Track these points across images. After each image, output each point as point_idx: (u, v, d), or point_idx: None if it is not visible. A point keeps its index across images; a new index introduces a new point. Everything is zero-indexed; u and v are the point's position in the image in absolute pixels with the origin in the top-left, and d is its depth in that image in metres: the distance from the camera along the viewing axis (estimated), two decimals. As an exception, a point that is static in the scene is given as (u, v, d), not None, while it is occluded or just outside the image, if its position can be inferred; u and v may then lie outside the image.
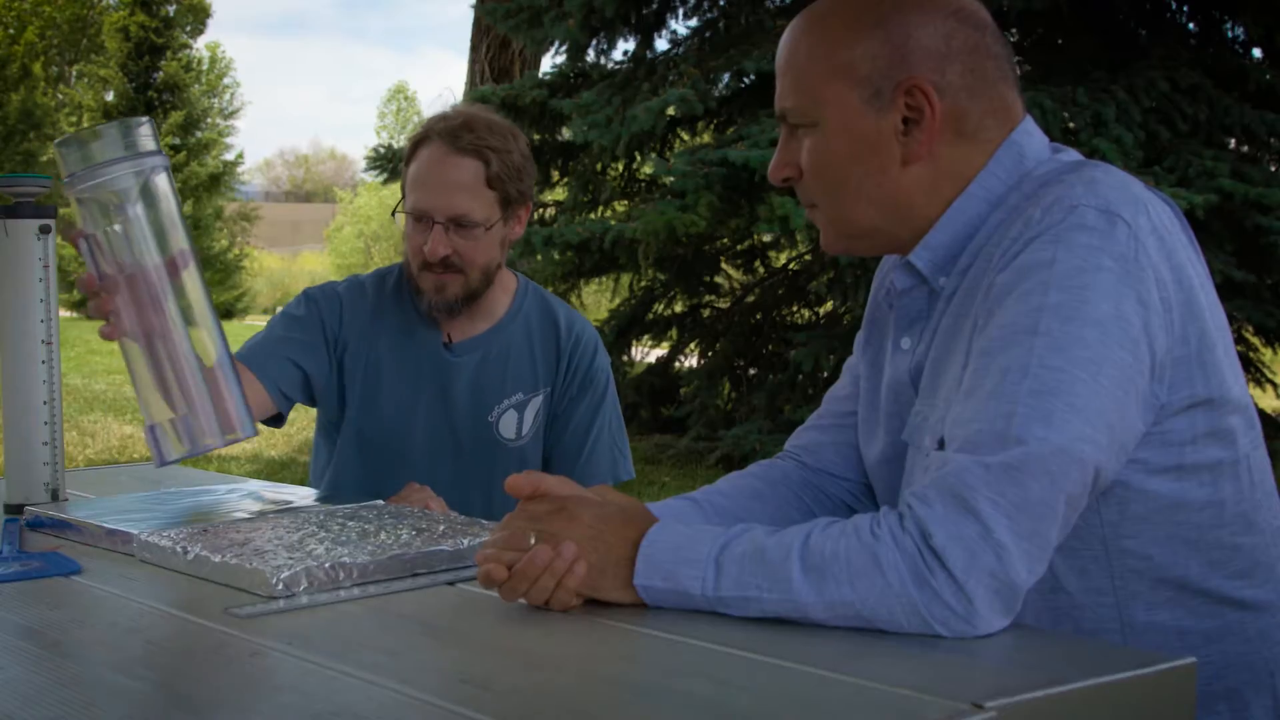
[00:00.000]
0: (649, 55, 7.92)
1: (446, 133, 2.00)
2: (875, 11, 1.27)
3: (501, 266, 2.09)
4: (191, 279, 1.40)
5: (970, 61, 1.26)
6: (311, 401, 2.10)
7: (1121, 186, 1.18)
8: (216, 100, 28.32)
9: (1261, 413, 1.37)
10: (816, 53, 1.29)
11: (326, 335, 2.07)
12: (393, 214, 2.08)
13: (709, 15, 7.99)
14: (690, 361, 8.29)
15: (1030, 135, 1.29)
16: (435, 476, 1.98)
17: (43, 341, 1.72)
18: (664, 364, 8.25)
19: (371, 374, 2.08)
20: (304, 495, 1.77)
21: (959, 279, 1.25)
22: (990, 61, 1.27)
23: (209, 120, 27.07)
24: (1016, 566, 1.05)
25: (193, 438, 1.38)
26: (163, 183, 1.39)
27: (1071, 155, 1.29)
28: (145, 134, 1.39)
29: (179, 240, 1.40)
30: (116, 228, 1.37)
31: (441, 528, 1.41)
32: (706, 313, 8.29)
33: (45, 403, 1.72)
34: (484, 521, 1.45)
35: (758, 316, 8.08)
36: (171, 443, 1.39)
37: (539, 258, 6.97)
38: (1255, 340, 7.02)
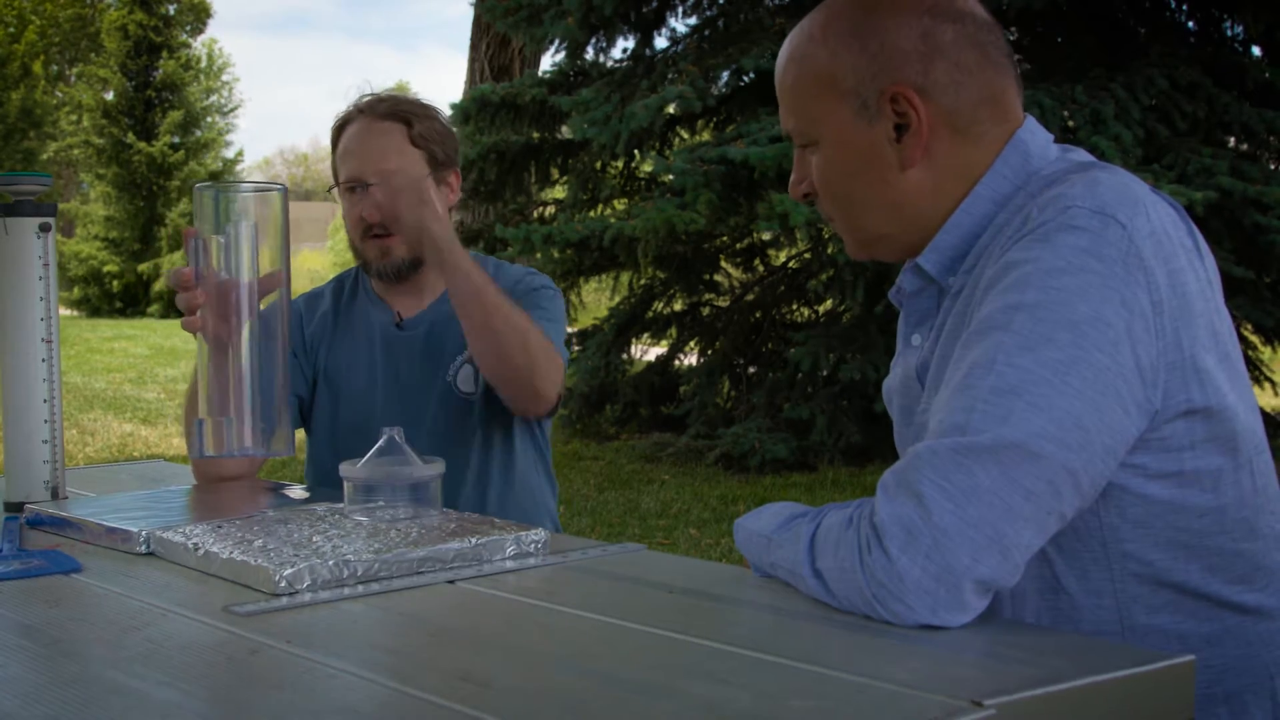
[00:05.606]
0: (648, 53, 7.92)
1: (365, 107, 2.12)
2: (849, 20, 1.27)
3: None
4: (275, 303, 1.51)
5: (953, 55, 1.25)
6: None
7: (1123, 188, 1.17)
8: (215, 98, 28.29)
9: (1261, 411, 1.36)
10: (802, 72, 1.30)
11: (297, 355, 2.15)
12: (329, 191, 2.14)
13: (708, 13, 7.99)
14: (690, 360, 8.29)
15: (1034, 134, 1.29)
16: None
17: (42, 340, 1.72)
18: (663, 362, 8.25)
19: (336, 369, 2.16)
20: (301, 492, 1.77)
21: (965, 278, 1.25)
22: (972, 51, 1.26)
23: (208, 120, 27.04)
24: (957, 553, 1.04)
25: (232, 440, 1.48)
26: (275, 212, 1.51)
27: (1081, 155, 1.28)
28: (276, 189, 1.52)
29: (274, 266, 1.51)
30: (222, 238, 1.48)
31: (452, 525, 1.41)
32: (706, 311, 8.29)
33: (45, 401, 1.72)
34: (494, 519, 1.45)
35: (757, 315, 8.08)
36: (211, 439, 1.48)
37: (539, 255, 6.97)
38: (1254, 339, 7.02)
